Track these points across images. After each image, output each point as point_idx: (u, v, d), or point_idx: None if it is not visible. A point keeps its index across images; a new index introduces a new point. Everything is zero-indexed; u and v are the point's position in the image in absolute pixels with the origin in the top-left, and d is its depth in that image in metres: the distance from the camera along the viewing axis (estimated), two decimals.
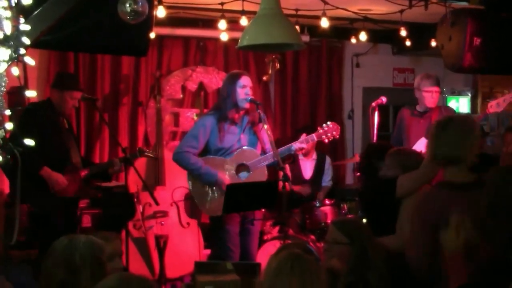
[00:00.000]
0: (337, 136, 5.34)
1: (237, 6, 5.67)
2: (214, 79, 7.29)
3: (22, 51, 3.05)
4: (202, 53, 7.35)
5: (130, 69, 7.07)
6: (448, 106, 7.71)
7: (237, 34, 4.85)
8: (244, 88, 4.97)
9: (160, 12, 5.44)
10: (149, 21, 4.48)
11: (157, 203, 5.38)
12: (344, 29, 7.36)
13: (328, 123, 5.33)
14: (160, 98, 6.77)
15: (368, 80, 8.26)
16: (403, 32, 6.27)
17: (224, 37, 6.44)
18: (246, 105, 4.99)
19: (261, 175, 5.05)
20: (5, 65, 2.97)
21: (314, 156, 6.96)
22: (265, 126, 4.92)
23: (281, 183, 4.66)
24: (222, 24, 6.00)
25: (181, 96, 7.29)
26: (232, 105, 4.97)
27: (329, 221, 5.94)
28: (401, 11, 5.99)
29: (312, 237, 6.10)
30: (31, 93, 3.45)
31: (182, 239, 6.22)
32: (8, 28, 2.98)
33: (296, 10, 6.33)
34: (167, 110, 7.20)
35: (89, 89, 6.60)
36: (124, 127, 7.06)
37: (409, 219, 3.61)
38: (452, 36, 5.61)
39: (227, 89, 5.02)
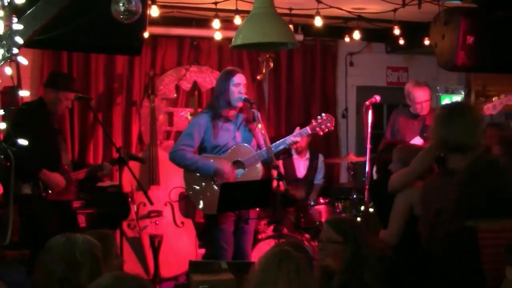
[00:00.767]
0: (332, 128, 5.31)
1: (230, 5, 5.66)
2: (208, 78, 7.29)
3: (15, 50, 3.05)
4: (196, 52, 7.34)
5: (124, 68, 7.06)
6: (441, 105, 7.76)
7: (231, 33, 4.85)
8: (238, 86, 4.96)
9: (154, 11, 5.43)
10: (142, 21, 4.47)
11: (151, 203, 5.37)
12: (338, 28, 7.36)
13: (322, 114, 5.28)
14: (154, 97, 6.75)
15: (362, 79, 8.27)
16: (397, 31, 6.28)
17: (218, 36, 6.43)
18: (240, 104, 4.98)
19: (257, 172, 5.05)
20: None
21: (308, 155, 6.96)
22: (259, 125, 4.91)
23: (275, 182, 4.65)
24: (216, 23, 5.99)
25: (175, 95, 7.28)
26: (226, 103, 4.96)
27: (323, 220, 5.94)
28: (395, 10, 5.99)
29: (307, 235, 6.11)
30: (24, 93, 3.44)
31: (177, 239, 6.21)
32: (0, 27, 2.98)
33: (290, 9, 6.33)
34: (161, 109, 7.19)
35: (83, 89, 6.58)
36: (118, 127, 7.05)
37: (401, 213, 3.67)
38: (445, 34, 5.63)
39: (221, 87, 5.01)
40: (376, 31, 7.51)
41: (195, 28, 7.06)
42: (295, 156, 6.90)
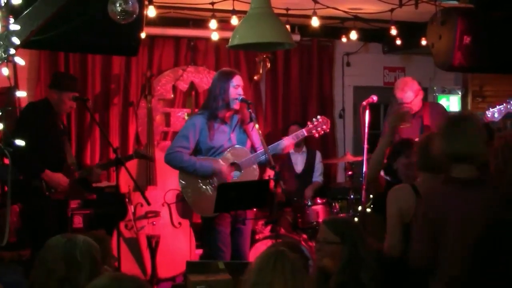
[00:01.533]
0: (328, 130, 5.32)
1: (227, 6, 5.66)
2: (205, 78, 7.28)
3: (12, 51, 3.04)
4: (193, 52, 7.33)
5: (121, 69, 7.05)
6: (437, 103, 7.75)
7: (227, 34, 4.85)
8: (237, 88, 4.95)
9: (151, 12, 5.43)
10: (139, 21, 4.47)
11: (148, 203, 5.37)
12: (334, 28, 7.37)
13: (318, 117, 5.30)
14: (151, 98, 6.75)
15: (359, 79, 8.27)
16: (394, 31, 6.28)
17: (214, 36, 6.43)
18: (237, 105, 4.97)
19: (252, 174, 5.04)
20: None
21: (304, 149, 6.99)
22: (256, 126, 4.90)
23: (272, 182, 4.66)
24: (213, 24, 5.99)
25: (172, 96, 7.27)
26: (224, 104, 4.95)
27: (320, 220, 5.94)
28: (392, 10, 6.00)
29: (304, 236, 6.11)
30: (21, 93, 3.44)
31: (174, 239, 6.22)
32: None
33: (287, 9, 6.33)
34: (158, 110, 7.19)
35: (79, 89, 6.56)
36: (115, 127, 7.04)
37: (395, 221, 3.65)
38: (442, 35, 5.64)
39: (220, 88, 4.98)
40: (373, 31, 7.52)
41: (192, 28, 7.06)
42: (291, 151, 6.89)
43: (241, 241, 5.06)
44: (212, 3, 5.88)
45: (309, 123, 5.29)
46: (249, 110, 4.95)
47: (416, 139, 4.52)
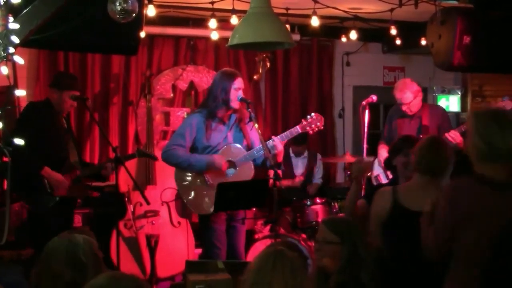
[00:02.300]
0: (322, 127, 5.27)
1: (227, 5, 5.65)
2: (204, 78, 7.28)
3: (11, 50, 3.04)
4: (192, 52, 7.33)
5: (120, 68, 7.05)
6: (437, 105, 7.75)
7: (227, 33, 4.84)
8: (238, 90, 4.95)
9: (151, 11, 5.43)
10: (139, 20, 4.47)
11: (148, 203, 5.36)
12: (334, 28, 7.36)
13: (312, 114, 5.25)
14: (150, 97, 6.75)
15: (359, 79, 8.28)
16: (393, 31, 6.28)
17: (214, 36, 6.43)
18: (237, 105, 4.97)
19: (248, 171, 5.03)
20: None
21: (305, 154, 6.97)
22: (256, 125, 4.90)
23: (272, 182, 4.65)
24: (213, 23, 5.98)
25: (172, 95, 7.27)
26: (224, 105, 4.95)
27: (320, 219, 5.94)
28: (391, 10, 6.00)
29: (303, 235, 6.11)
30: (20, 92, 3.44)
31: (173, 239, 6.21)
32: None
33: (287, 9, 6.32)
34: (157, 109, 7.19)
35: (79, 88, 6.56)
36: (115, 127, 7.04)
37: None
38: (442, 34, 5.63)
39: (222, 88, 4.95)
40: (373, 31, 7.52)
41: (192, 28, 7.06)
42: (292, 155, 6.90)
43: (236, 239, 5.07)
44: (212, 2, 5.88)
45: (303, 120, 5.25)
46: (249, 109, 4.95)
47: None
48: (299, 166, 6.97)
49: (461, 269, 3.06)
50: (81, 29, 4.35)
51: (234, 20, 5.66)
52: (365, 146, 5.81)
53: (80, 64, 6.88)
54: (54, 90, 5.27)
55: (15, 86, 5.34)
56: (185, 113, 7.21)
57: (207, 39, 6.90)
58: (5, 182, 4.36)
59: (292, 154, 6.90)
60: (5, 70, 3.07)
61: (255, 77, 7.45)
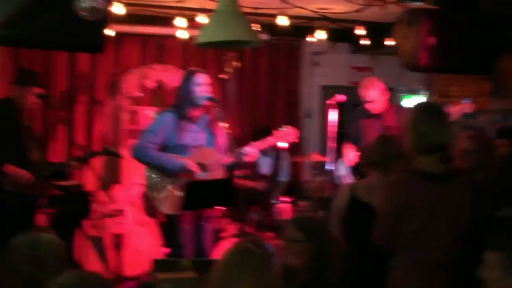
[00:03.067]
0: (296, 141, 5.32)
1: (195, 4, 5.65)
2: (173, 77, 7.24)
3: None
4: (160, 51, 7.31)
5: (87, 66, 6.99)
6: (401, 106, 7.83)
7: (195, 32, 4.84)
8: (200, 86, 4.94)
9: (120, 9, 5.39)
10: (104, 18, 4.43)
11: (113, 202, 5.32)
12: (303, 27, 7.38)
13: (287, 127, 5.29)
14: (117, 96, 6.70)
15: (327, 79, 8.31)
16: (361, 31, 6.33)
17: (182, 34, 6.41)
18: (204, 103, 4.97)
19: (219, 175, 5.03)
20: None
21: (271, 152, 6.98)
22: (224, 125, 4.90)
23: (239, 181, 4.66)
24: (180, 22, 5.97)
25: (139, 94, 7.23)
26: (189, 103, 4.95)
27: (287, 218, 5.95)
28: (359, 11, 6.04)
29: (270, 234, 6.12)
30: None
31: (140, 238, 6.18)
32: None
33: (255, 8, 6.32)
34: (125, 108, 7.13)
35: (44, 86, 6.48)
36: (81, 125, 6.99)
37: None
38: (408, 35, 5.69)
39: (184, 87, 4.99)
40: (341, 31, 7.56)
41: (160, 26, 7.02)
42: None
43: (204, 238, 5.07)
44: (180, 1, 5.86)
45: (276, 131, 5.26)
46: (217, 108, 4.95)
47: None
48: (265, 164, 6.97)
49: (404, 259, 3.19)
50: (45, 26, 4.30)
51: (202, 18, 5.64)
52: (331, 145, 5.84)
53: (45, 62, 6.81)
54: (16, 87, 5.19)
55: None
56: (153, 112, 7.17)
57: (175, 38, 6.88)
58: None
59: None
60: None
61: (223, 76, 7.43)
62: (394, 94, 8.42)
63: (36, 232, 2.77)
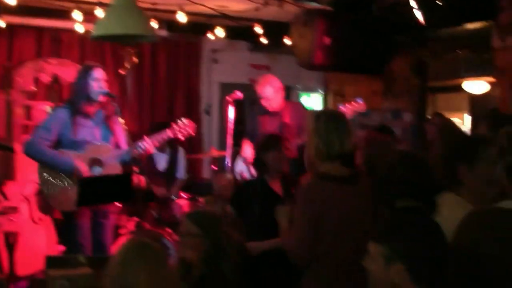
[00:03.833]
0: (193, 134, 5.33)
1: None
2: (69, 71, 7.09)
3: None
4: (56, 44, 7.14)
5: None
6: (297, 102, 7.99)
7: (92, 26, 4.77)
8: (97, 81, 4.88)
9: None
10: None
11: (6, 198, 5.17)
12: (202, 25, 7.41)
13: (184, 120, 5.30)
14: (10, 90, 6.50)
15: (225, 76, 8.39)
16: (259, 29, 6.42)
17: (79, 28, 6.30)
18: (100, 98, 4.90)
19: (114, 170, 4.98)
20: None
21: (167, 147, 6.94)
22: (120, 120, 4.87)
23: (136, 177, 4.63)
24: (77, 15, 5.86)
25: (34, 88, 7.04)
26: (85, 98, 4.87)
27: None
28: (258, 9, 6.12)
29: (168, 230, 6.11)
30: None
31: (34, 236, 6.02)
32: None
33: (154, 3, 6.30)
34: (18, 102, 6.92)
35: None
36: None
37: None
38: (304, 35, 5.83)
39: (80, 82, 4.91)
40: (240, 29, 7.62)
41: (56, 19, 6.86)
42: (155, 150, 6.85)
43: (102, 235, 5.00)
44: None
45: (173, 124, 5.26)
46: (113, 104, 4.90)
47: None
48: (161, 161, 6.93)
49: (323, 264, 3.24)
50: None
51: (99, 12, 5.57)
52: (229, 141, 5.90)
53: None
54: None
55: None
56: (48, 107, 7.00)
57: (72, 31, 6.74)
58: None
59: (154, 150, 6.83)
60: None
61: (121, 71, 7.35)
62: (292, 92, 8.61)
63: None
